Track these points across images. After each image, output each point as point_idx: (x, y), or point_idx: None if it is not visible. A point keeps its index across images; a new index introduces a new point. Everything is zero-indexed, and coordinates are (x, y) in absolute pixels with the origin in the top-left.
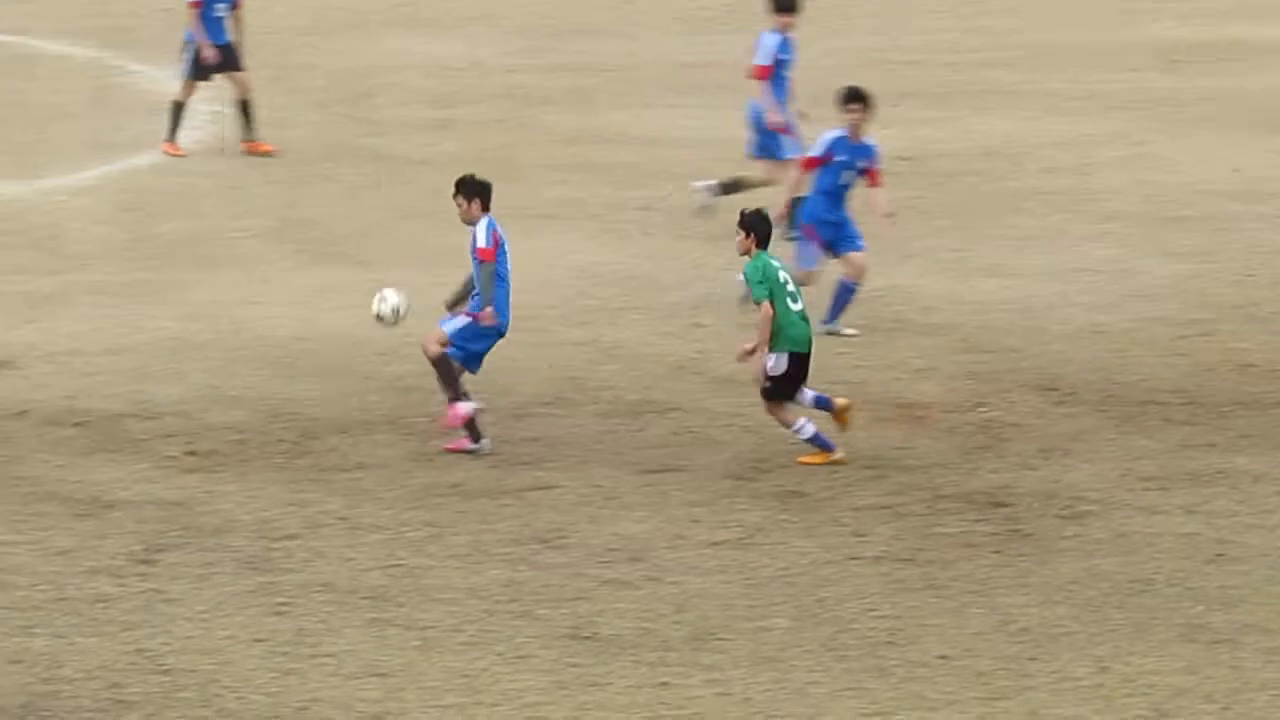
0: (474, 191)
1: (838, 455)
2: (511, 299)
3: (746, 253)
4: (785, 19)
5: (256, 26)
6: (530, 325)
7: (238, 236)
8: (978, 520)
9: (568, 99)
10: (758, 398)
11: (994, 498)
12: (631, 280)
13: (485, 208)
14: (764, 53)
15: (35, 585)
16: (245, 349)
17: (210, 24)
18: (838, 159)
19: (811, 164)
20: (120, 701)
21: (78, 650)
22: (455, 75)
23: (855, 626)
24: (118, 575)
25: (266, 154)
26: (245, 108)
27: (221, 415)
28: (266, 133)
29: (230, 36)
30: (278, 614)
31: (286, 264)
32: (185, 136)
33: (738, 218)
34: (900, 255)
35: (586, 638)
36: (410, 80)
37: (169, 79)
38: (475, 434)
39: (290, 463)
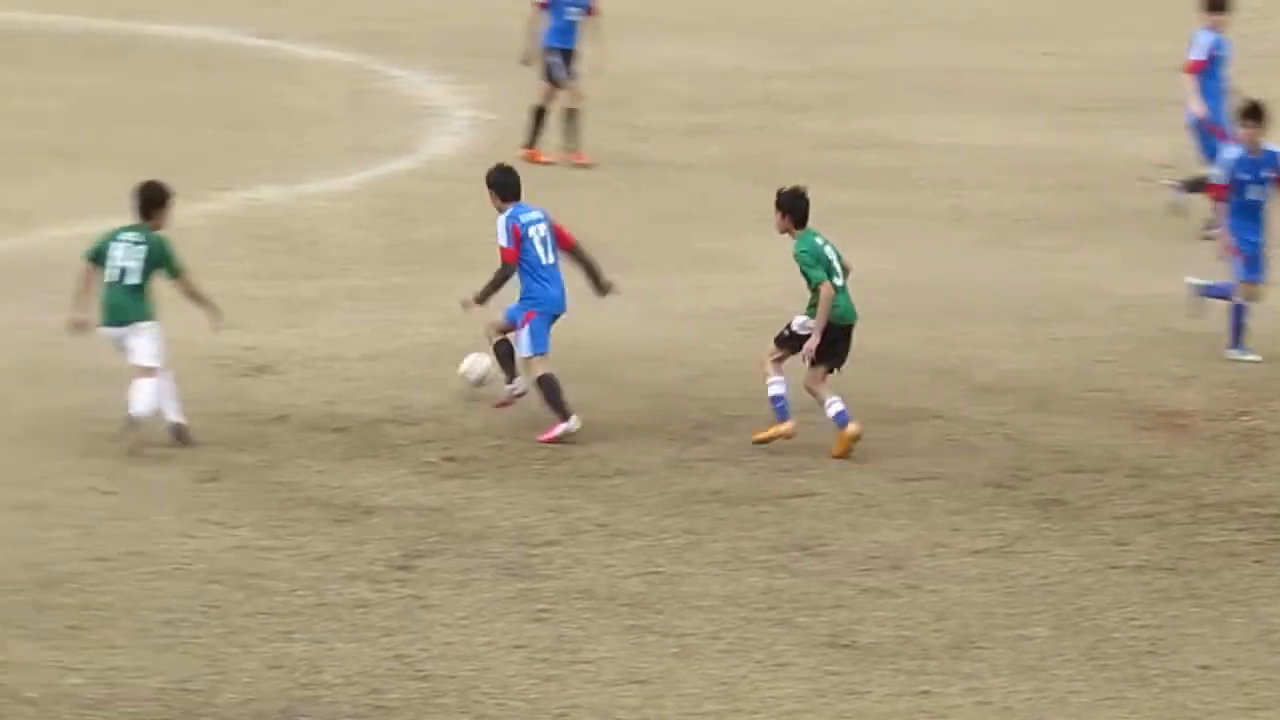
0: (491, 184)
1: (786, 428)
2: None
3: (785, 232)
4: (1217, 17)
5: (504, 32)
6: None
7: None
8: (1240, 529)
9: (827, 104)
10: (1019, 405)
11: (1257, 506)
12: (894, 287)
13: (504, 198)
14: (1198, 48)
15: (294, 590)
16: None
17: (560, 27)
18: (1241, 177)
19: (1220, 192)
20: (379, 707)
21: (337, 656)
22: (716, 81)
23: (1116, 635)
24: (377, 581)
25: (585, 165)
26: (571, 116)
27: (480, 421)
28: (521, 137)
29: (576, 43)
30: (537, 620)
31: None
32: (446, 141)
33: (775, 199)
34: (1170, 258)
35: (845, 645)
36: (672, 86)
37: (427, 84)
38: (564, 412)
39: (549, 469)
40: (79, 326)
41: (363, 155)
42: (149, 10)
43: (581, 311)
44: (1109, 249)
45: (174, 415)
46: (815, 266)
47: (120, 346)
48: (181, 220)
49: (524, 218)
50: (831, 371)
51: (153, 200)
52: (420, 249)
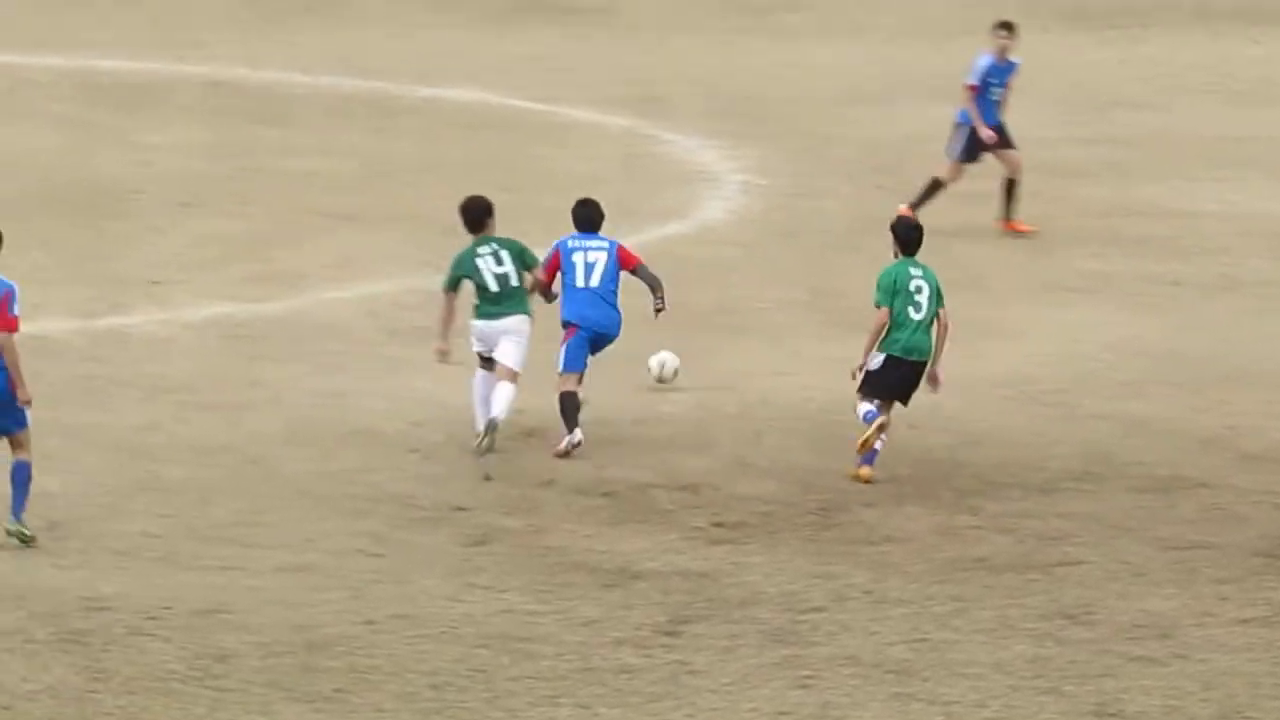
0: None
1: (879, 422)
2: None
3: (896, 256)
4: None
5: (788, 97)
6: (1059, 399)
7: (766, 307)
8: None
9: (1103, 171)
10: None
11: None
12: (1161, 354)
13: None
14: None
15: (560, 655)
16: (773, 420)
17: (986, 106)
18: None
19: None
20: None
21: None
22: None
23: None
24: (643, 646)
25: (1025, 234)
26: (1011, 187)
27: (749, 486)
28: (797, 203)
29: (1000, 116)
30: (802, 687)
31: (816, 335)
32: (718, 205)
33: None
34: None
35: (1112, 715)
36: (941, 151)
37: (699, 148)
38: (570, 428)
39: (817, 535)
40: (444, 355)
41: (634, 219)
42: (418, 72)
43: (846, 377)
44: None
45: (499, 411)
46: (882, 292)
47: (492, 344)
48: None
49: (572, 244)
50: (891, 406)
51: (485, 210)
52: (690, 313)
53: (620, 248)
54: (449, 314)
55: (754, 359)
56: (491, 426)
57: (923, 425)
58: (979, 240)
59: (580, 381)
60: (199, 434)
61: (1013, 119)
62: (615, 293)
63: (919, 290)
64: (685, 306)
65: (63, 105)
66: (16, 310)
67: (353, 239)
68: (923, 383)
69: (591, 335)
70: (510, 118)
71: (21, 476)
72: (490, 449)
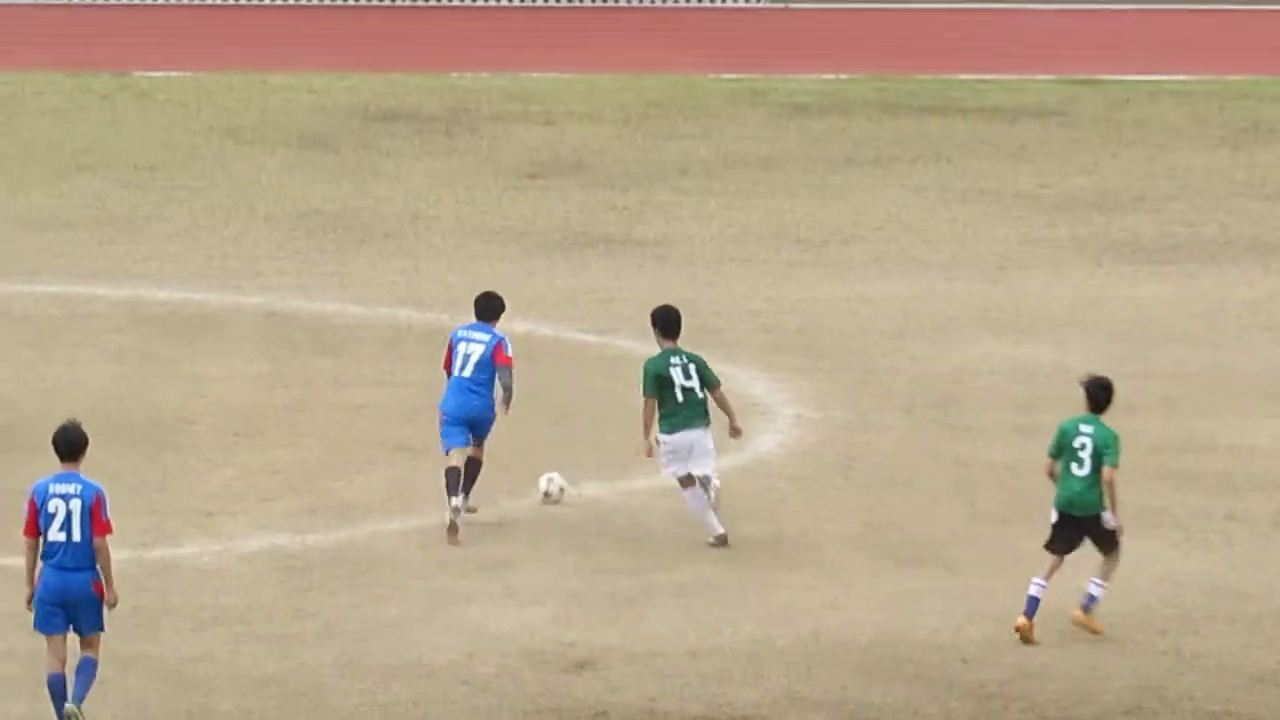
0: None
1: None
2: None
3: None
4: None
5: (842, 329)
6: (1112, 632)
7: (819, 540)
8: None
9: (1155, 406)
10: None
11: None
12: (1215, 589)
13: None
14: None
15: None
16: (825, 653)
17: None
18: None
19: None
20: None
21: None
22: (1042, 381)
23: None
24: None
25: None
26: None
27: (800, 719)
28: (850, 436)
29: None
30: None
31: (868, 568)
32: (770, 438)
33: None
34: None
35: None
36: (996, 385)
37: (752, 380)
38: (449, 499)
39: None
40: (649, 453)
41: None
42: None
43: (899, 611)
44: None
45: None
46: (1053, 444)
47: (688, 452)
48: (507, 513)
49: (461, 333)
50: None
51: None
52: (743, 544)
53: (499, 345)
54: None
55: (806, 592)
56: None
57: (977, 659)
58: (1033, 473)
59: (465, 454)
60: (249, 665)
61: (1063, 354)
62: (486, 383)
63: (1083, 447)
64: (738, 539)
65: (118, 336)
66: (108, 514)
67: (405, 470)
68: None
69: (456, 420)
70: (565, 349)
71: (88, 669)
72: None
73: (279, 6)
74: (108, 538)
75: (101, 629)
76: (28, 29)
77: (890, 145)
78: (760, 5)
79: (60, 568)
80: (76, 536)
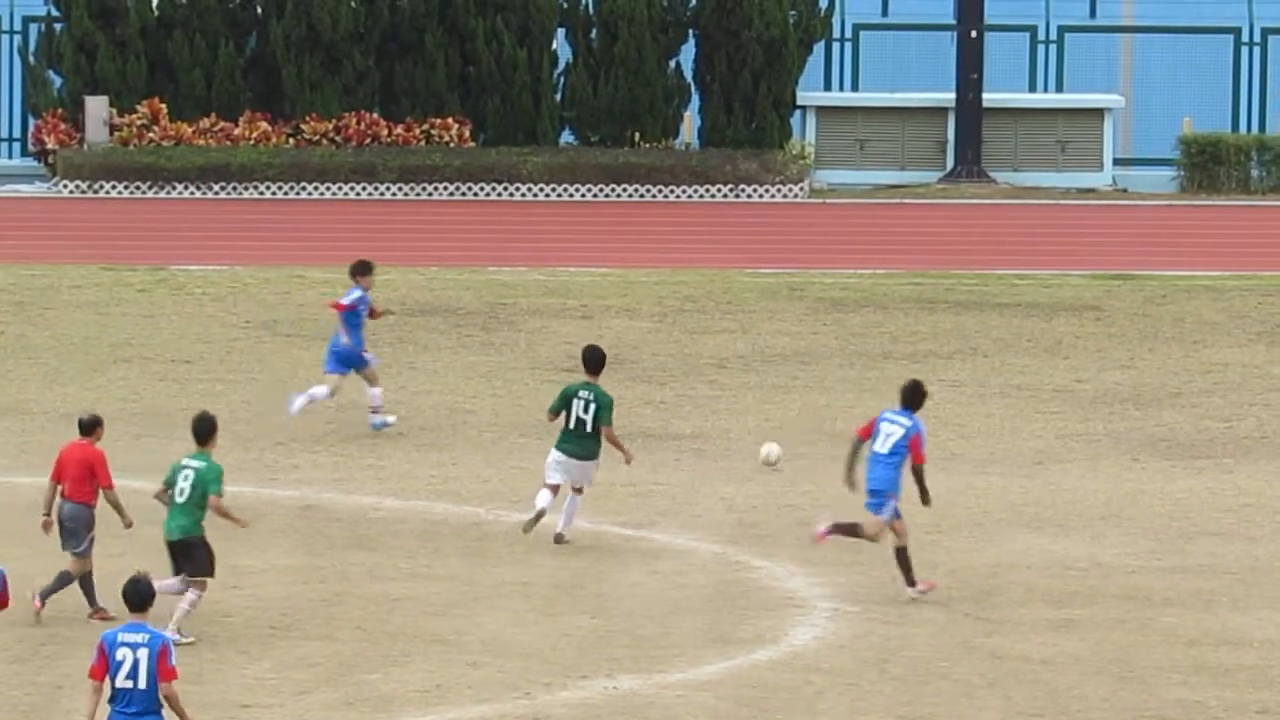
0: None
1: None
2: None
3: None
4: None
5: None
6: None
7: None
8: None
9: (1190, 600)
10: None
11: None
12: None
13: None
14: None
15: None
16: None
17: None
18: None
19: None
20: None
21: None
22: (1077, 576)
23: None
24: None
25: None
26: None
27: None
28: (887, 630)
29: None
30: None
31: None
32: (807, 632)
33: None
34: None
35: None
36: (1031, 579)
37: (789, 575)
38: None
39: None
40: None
41: (723, 645)
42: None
43: None
44: None
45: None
46: None
47: (567, 473)
48: (542, 709)
49: None
50: None
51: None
52: None
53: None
54: None
55: None
56: None
57: None
58: (1068, 669)
59: None
60: None
61: (1098, 549)
62: None
63: None
64: None
65: (153, 529)
66: (174, 661)
67: (442, 664)
68: None
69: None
70: (602, 542)
71: None
72: None
73: (316, 200)
74: (173, 683)
75: None
76: (65, 222)
77: (927, 340)
78: (798, 200)
79: (125, 713)
80: (143, 684)
